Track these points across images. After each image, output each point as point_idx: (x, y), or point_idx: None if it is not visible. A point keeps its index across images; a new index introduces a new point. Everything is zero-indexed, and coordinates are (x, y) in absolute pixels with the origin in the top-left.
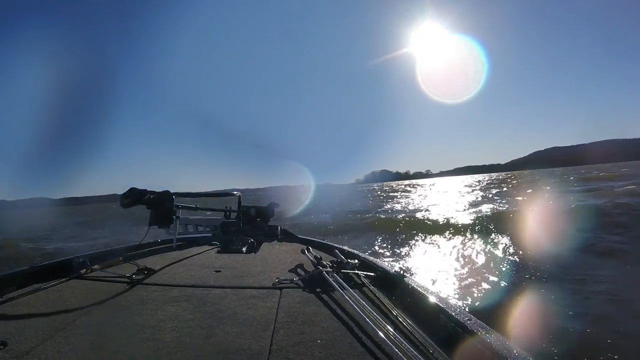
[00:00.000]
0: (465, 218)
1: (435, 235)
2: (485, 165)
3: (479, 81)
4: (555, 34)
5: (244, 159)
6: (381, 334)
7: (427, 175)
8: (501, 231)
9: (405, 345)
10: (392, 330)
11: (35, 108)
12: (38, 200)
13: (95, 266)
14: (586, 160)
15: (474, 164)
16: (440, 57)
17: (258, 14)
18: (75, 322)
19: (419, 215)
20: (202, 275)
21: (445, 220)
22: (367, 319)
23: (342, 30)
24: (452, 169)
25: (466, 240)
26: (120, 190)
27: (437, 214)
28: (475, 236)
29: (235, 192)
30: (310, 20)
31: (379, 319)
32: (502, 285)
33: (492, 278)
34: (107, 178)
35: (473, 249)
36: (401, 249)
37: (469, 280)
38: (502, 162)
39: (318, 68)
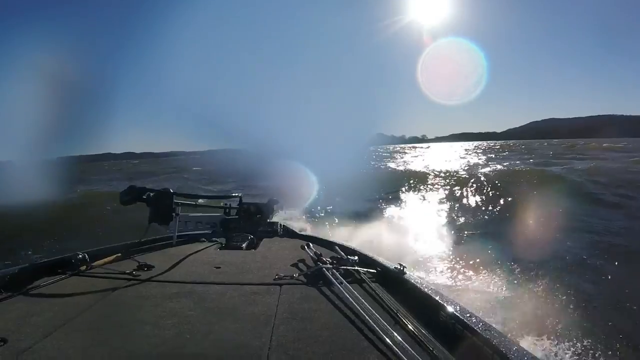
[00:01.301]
0: (478, 174)
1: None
2: (481, 132)
3: (478, 56)
4: (559, 3)
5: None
6: (381, 330)
7: (423, 140)
8: (516, 186)
9: (405, 341)
10: (391, 326)
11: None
12: (57, 159)
13: (95, 263)
14: (583, 134)
15: (469, 131)
16: (438, 22)
17: None
18: (75, 318)
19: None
20: (202, 272)
21: (463, 176)
22: (367, 315)
23: None
24: (447, 134)
25: (486, 192)
26: (134, 149)
27: (452, 171)
28: (493, 190)
29: (235, 194)
30: None
31: (378, 315)
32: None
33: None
34: (124, 137)
35: (493, 201)
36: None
37: (481, 229)
38: (498, 131)
39: (309, 29)
